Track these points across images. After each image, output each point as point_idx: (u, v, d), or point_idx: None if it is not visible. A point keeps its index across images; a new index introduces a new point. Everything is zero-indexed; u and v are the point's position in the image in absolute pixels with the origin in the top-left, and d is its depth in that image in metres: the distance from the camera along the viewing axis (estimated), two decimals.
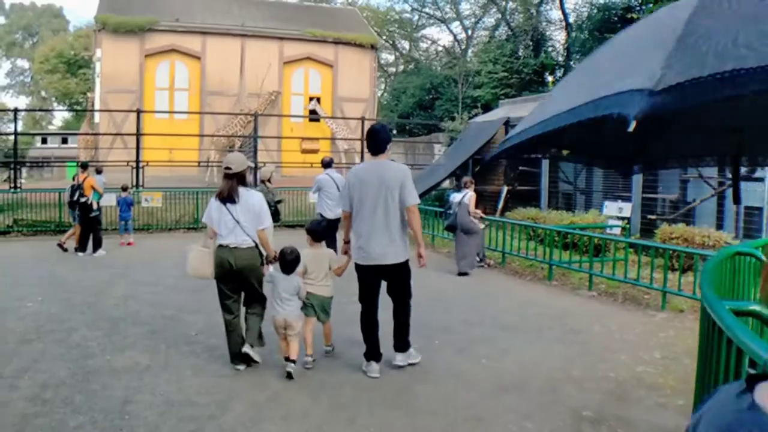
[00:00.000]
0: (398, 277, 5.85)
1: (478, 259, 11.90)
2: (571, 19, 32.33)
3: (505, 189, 17.62)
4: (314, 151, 24.94)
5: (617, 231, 12.22)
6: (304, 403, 5.17)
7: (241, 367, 5.83)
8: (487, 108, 26.13)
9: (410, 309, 6.02)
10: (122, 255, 12.97)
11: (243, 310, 6.09)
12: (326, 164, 11.42)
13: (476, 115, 23.14)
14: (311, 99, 26.75)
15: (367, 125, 25.86)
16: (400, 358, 5.99)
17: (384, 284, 5.96)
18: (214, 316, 7.78)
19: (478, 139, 18.17)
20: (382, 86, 43.84)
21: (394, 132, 38.33)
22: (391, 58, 46.39)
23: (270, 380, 5.68)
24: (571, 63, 30.18)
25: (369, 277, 5.82)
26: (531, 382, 5.81)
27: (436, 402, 5.27)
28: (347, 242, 6.05)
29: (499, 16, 35.27)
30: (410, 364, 6.09)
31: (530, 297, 9.62)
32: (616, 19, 25.52)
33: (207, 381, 5.62)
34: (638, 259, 9.64)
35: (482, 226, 11.75)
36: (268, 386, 5.53)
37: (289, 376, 5.61)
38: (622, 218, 12.48)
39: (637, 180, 13.60)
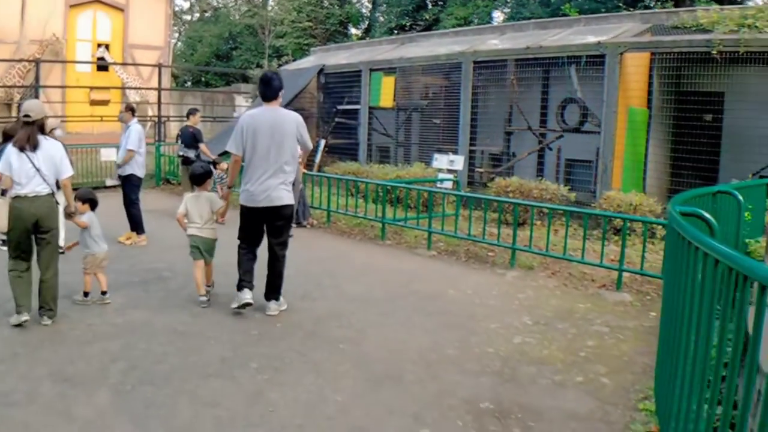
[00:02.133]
0: (282, 220, 6.00)
1: (295, 219, 10.72)
2: None
3: (323, 142, 16.44)
4: (104, 103, 22.00)
5: (449, 185, 11.58)
6: None
7: (25, 317, 5.46)
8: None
9: (286, 259, 6.14)
10: None
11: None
12: (134, 112, 9.60)
13: (287, 62, 21.67)
14: (99, 46, 23.51)
15: (165, 73, 23.76)
16: (273, 307, 6.06)
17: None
18: None
19: (292, 87, 16.76)
20: (177, 35, 40.45)
21: (189, 84, 35.70)
22: (186, 5, 42.89)
23: (74, 404, 4.04)
24: (377, 15, 29.55)
25: (255, 219, 5.97)
26: (405, 370, 4.77)
27: (301, 411, 4.02)
28: (230, 187, 6.38)
29: None
30: (279, 311, 6.09)
31: (367, 260, 8.61)
32: None
33: None
34: (484, 215, 8.94)
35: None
36: (73, 414, 3.91)
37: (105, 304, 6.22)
38: (453, 171, 11.85)
39: (464, 132, 13.05)
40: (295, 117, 5.98)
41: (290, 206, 6.01)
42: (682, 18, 10.32)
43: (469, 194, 10.51)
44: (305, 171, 11.25)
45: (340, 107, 16.83)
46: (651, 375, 4.72)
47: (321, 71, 17.15)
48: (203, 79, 34.75)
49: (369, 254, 9.05)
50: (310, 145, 6.24)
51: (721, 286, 2.54)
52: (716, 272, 2.54)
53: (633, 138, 10.42)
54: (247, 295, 5.92)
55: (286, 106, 16.62)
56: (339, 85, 16.85)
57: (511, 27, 14.39)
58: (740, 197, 5.77)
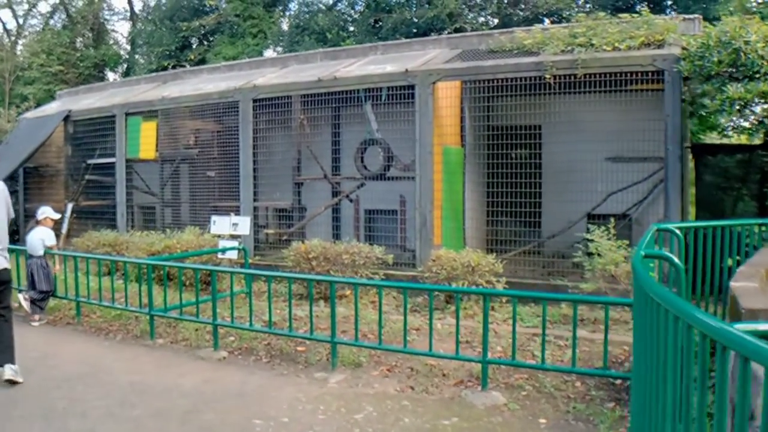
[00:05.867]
0: (2, 285, 5.92)
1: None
2: (137, 8, 28.96)
3: (71, 206, 13.29)
4: None
5: (234, 254, 9.29)
6: None
7: None
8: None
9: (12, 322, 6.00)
10: None
11: None
12: None
13: (27, 110, 18.20)
14: None
15: None
16: (12, 372, 5.71)
17: None
18: None
19: (33, 139, 13.71)
20: None
21: None
22: None
23: None
24: (137, 57, 26.70)
25: None
26: None
27: None
28: None
29: (57, 1, 29.75)
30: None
31: (133, 375, 6.11)
32: (187, 9, 23.06)
33: None
34: (289, 300, 6.70)
35: None
36: None
37: None
38: (237, 236, 9.58)
39: (246, 185, 10.86)
40: (1, 187, 6.01)
41: (8, 270, 5.98)
42: (499, 41, 9.09)
43: (267, 273, 7.96)
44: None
45: (91, 161, 13.84)
46: None
47: (67, 118, 14.07)
48: None
49: (135, 363, 6.55)
50: (13, 214, 6.17)
51: None
52: None
53: (450, 183, 8.95)
54: None
55: (26, 161, 13.62)
56: (89, 135, 13.91)
57: (295, 58, 12.45)
58: (677, 260, 4.41)
